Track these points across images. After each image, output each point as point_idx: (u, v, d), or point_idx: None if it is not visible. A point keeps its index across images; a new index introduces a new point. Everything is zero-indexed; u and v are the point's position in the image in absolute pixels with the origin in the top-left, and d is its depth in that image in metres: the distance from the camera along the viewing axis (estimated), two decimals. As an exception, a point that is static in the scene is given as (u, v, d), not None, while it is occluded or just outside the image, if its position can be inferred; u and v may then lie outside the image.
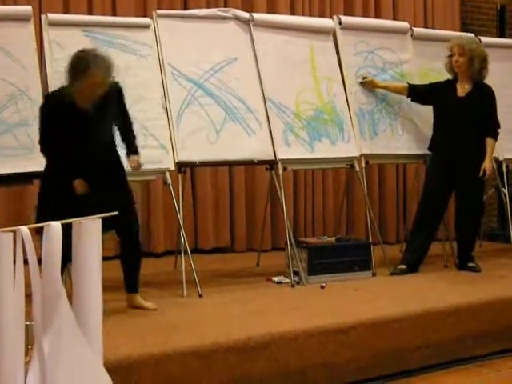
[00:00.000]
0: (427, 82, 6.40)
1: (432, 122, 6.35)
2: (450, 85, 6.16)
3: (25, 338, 3.00)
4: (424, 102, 6.35)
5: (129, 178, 5.35)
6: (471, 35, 7.07)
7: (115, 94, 4.58)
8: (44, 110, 4.47)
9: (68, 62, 4.38)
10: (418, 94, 6.32)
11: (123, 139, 4.75)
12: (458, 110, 6.02)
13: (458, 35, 6.68)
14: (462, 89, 6.10)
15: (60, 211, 3.82)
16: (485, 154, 5.98)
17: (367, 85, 6.35)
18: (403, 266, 6.00)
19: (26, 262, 2.90)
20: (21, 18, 5.24)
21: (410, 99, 6.38)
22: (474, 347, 4.82)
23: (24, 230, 2.77)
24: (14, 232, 2.79)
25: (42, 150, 4.47)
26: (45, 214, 4.16)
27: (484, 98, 6.07)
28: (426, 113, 6.50)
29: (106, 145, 4.58)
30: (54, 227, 2.90)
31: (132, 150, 4.73)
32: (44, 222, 3.03)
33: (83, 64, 4.33)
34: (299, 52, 6.13)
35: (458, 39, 6.21)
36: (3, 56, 5.09)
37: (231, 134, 5.63)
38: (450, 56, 6.11)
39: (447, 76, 6.33)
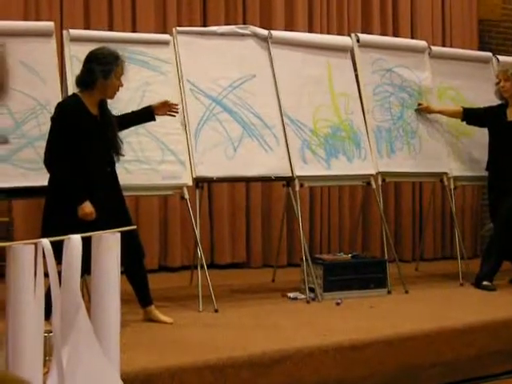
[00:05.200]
0: (482, 106, 6.55)
1: (449, 141, 6.48)
2: (501, 110, 6.36)
3: (43, 350, 3.04)
4: (479, 125, 6.52)
5: (147, 193, 5.45)
6: (489, 54, 7.12)
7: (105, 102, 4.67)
8: (61, 114, 4.47)
9: (87, 65, 4.50)
10: (473, 117, 6.49)
11: (131, 119, 4.93)
12: (507, 134, 6.23)
13: (504, 61, 6.85)
14: (511, 113, 6.28)
15: (66, 228, 3.85)
16: None
17: (422, 111, 6.48)
18: None
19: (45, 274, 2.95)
20: (43, 34, 5.31)
21: (464, 122, 6.53)
22: (489, 366, 4.81)
23: (45, 242, 2.81)
24: (36, 244, 2.83)
25: (50, 162, 4.42)
26: (51, 230, 4.17)
27: None
28: (444, 132, 6.55)
29: (112, 154, 4.64)
30: (74, 241, 2.94)
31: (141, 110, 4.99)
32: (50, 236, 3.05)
33: (111, 55, 4.52)
34: (317, 69, 6.16)
35: (502, 65, 6.50)
36: (25, 71, 5.16)
37: (248, 150, 5.67)
38: (498, 83, 6.33)
39: (466, 95, 6.49)
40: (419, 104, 6.49)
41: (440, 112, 6.54)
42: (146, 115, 4.95)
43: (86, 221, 4.30)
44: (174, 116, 5.13)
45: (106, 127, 4.57)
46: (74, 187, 4.37)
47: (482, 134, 6.58)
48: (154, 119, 5.02)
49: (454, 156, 6.57)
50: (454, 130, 6.63)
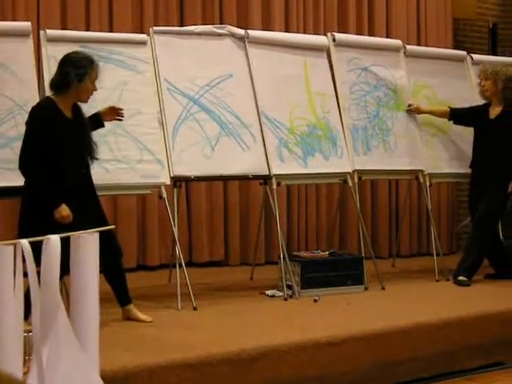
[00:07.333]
0: (469, 105, 6.66)
1: (424, 139, 6.58)
2: (485, 108, 6.47)
3: (23, 349, 3.06)
4: (465, 124, 6.62)
5: (126, 192, 5.47)
6: (464, 53, 7.21)
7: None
8: (36, 118, 4.49)
9: (62, 68, 4.54)
10: (458, 117, 6.60)
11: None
12: (489, 132, 6.35)
13: (486, 61, 6.91)
14: (493, 111, 6.41)
15: (42, 231, 3.86)
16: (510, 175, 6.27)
17: (412, 111, 6.60)
18: None
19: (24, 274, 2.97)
20: (20, 34, 5.31)
21: (452, 122, 6.64)
22: (464, 361, 4.88)
23: (24, 242, 2.83)
24: (15, 245, 2.86)
25: (25, 166, 4.44)
26: (27, 233, 4.17)
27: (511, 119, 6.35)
28: (418, 130, 6.62)
29: (86, 157, 4.67)
30: (53, 241, 2.97)
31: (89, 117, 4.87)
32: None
33: (85, 59, 4.55)
34: (294, 68, 6.20)
35: (482, 65, 6.58)
36: (2, 71, 5.15)
37: (226, 149, 5.70)
38: (480, 83, 6.47)
39: (441, 93, 6.63)
40: (409, 105, 6.58)
41: (429, 112, 6.66)
42: (94, 122, 4.91)
43: (62, 224, 4.31)
44: (121, 120, 5.12)
45: (81, 130, 4.60)
46: (49, 191, 4.39)
47: (460, 132, 6.69)
48: (103, 125, 5.02)
49: (430, 153, 6.64)
50: (429, 127, 6.71)
